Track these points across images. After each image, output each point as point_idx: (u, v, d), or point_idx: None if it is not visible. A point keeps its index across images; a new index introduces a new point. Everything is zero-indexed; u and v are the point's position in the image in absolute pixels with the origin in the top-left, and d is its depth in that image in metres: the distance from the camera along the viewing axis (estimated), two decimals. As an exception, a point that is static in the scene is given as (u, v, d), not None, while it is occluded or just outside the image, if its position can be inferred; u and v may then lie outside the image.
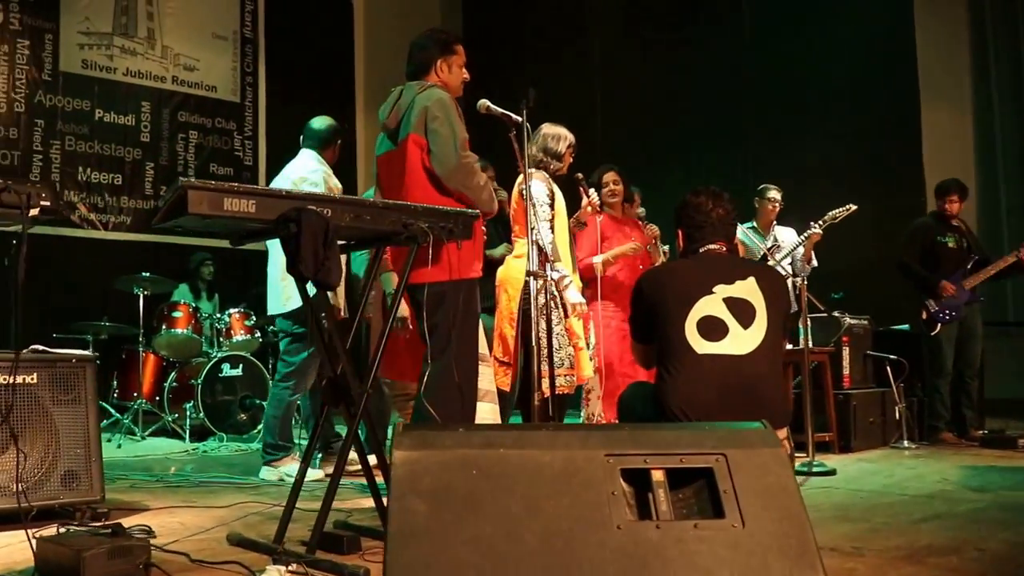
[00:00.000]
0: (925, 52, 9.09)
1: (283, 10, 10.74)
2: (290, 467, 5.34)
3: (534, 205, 5.26)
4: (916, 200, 8.70)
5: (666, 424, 2.99)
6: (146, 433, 7.58)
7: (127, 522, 3.71)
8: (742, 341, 3.54)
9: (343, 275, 3.27)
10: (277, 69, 10.77)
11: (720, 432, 2.21)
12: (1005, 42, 9.26)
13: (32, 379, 3.91)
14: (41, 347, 4.02)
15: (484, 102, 4.43)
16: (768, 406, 3.44)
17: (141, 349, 7.64)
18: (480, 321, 5.05)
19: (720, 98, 10.06)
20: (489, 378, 4.95)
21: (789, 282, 6.93)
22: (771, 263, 7.06)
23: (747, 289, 3.61)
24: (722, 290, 3.59)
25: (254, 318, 7.96)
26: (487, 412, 4.87)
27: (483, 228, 4.34)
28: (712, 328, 3.54)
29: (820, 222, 6.76)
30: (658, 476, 2.10)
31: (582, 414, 5.96)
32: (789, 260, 7.15)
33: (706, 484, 2.11)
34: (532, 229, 4.58)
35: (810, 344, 6.29)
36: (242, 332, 7.88)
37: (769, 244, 7.26)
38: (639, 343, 3.90)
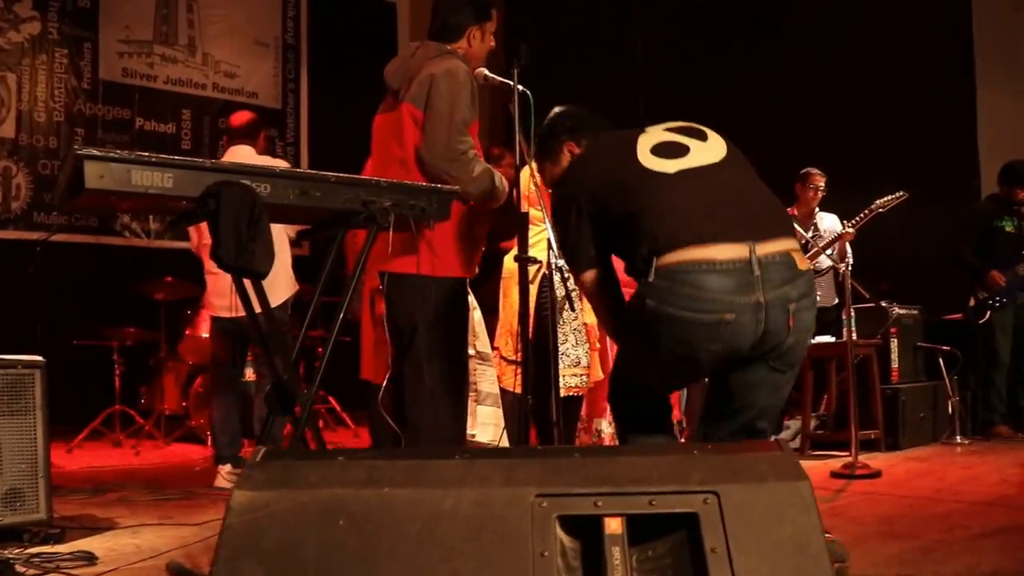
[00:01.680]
0: (982, 32, 8.14)
1: (326, 15, 10.02)
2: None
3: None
4: (970, 185, 7.78)
5: (637, 446, 2.18)
6: (170, 439, 6.91)
7: (80, 544, 3.22)
8: (708, 152, 2.68)
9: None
10: (319, 75, 10.06)
11: (713, 459, 1.41)
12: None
13: (-31, 388, 3.25)
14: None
15: (481, 71, 3.64)
16: (765, 214, 2.58)
17: (164, 355, 6.99)
18: (480, 317, 4.29)
19: (767, 81, 9.15)
20: (491, 379, 4.19)
21: (830, 274, 6.05)
22: (810, 257, 6.17)
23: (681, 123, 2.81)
24: (655, 129, 2.78)
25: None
26: (488, 416, 4.11)
27: (483, 221, 3.52)
28: (671, 150, 2.67)
29: (853, 221, 5.82)
30: (614, 527, 1.32)
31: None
32: (830, 251, 6.24)
33: (687, 538, 1.31)
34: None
35: (855, 336, 5.41)
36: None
37: (811, 234, 6.34)
38: (588, 269, 2.76)
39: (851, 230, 5.76)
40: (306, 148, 10.06)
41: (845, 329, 5.52)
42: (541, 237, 4.50)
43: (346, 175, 2.80)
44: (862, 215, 5.66)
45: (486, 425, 4.08)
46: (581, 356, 4.43)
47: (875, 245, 6.36)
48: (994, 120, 8.07)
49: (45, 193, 8.28)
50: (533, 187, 4.58)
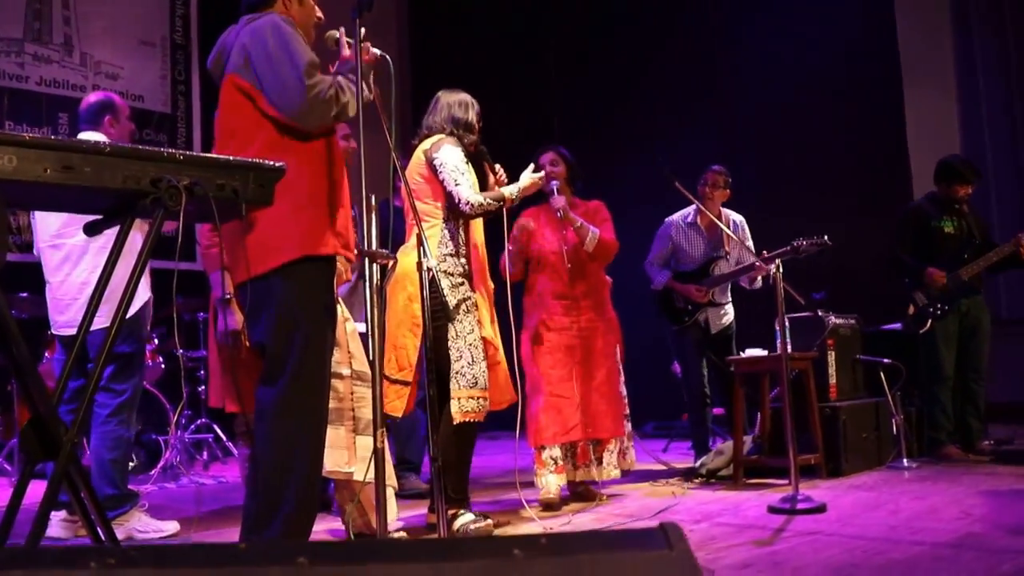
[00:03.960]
0: (906, 34, 7.80)
1: (216, 14, 9.30)
2: (142, 520, 3.95)
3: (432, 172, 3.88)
4: (902, 188, 7.37)
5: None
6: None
7: None
8: None
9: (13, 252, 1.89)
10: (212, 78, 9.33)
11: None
12: (989, 24, 7.95)
13: None
14: None
15: (332, 33, 3.02)
16: None
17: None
18: (353, 329, 3.65)
19: (688, 86, 8.68)
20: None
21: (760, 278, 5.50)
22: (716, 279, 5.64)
23: None
24: None
25: (156, 341, 6.51)
26: (371, 448, 3.44)
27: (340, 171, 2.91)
28: None
29: (764, 254, 5.25)
30: None
31: (543, 480, 4.50)
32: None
33: None
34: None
35: (789, 349, 4.86)
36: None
37: (719, 254, 5.78)
38: None
39: (760, 263, 5.21)
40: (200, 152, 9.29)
41: (779, 341, 4.98)
42: (431, 236, 3.89)
43: (129, 146, 2.14)
44: (779, 252, 5.10)
45: (367, 459, 3.42)
46: (478, 376, 3.80)
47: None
48: (921, 121, 7.70)
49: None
50: (419, 178, 3.98)
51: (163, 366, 6.48)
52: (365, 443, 3.44)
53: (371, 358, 2.68)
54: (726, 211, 5.80)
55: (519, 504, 4.17)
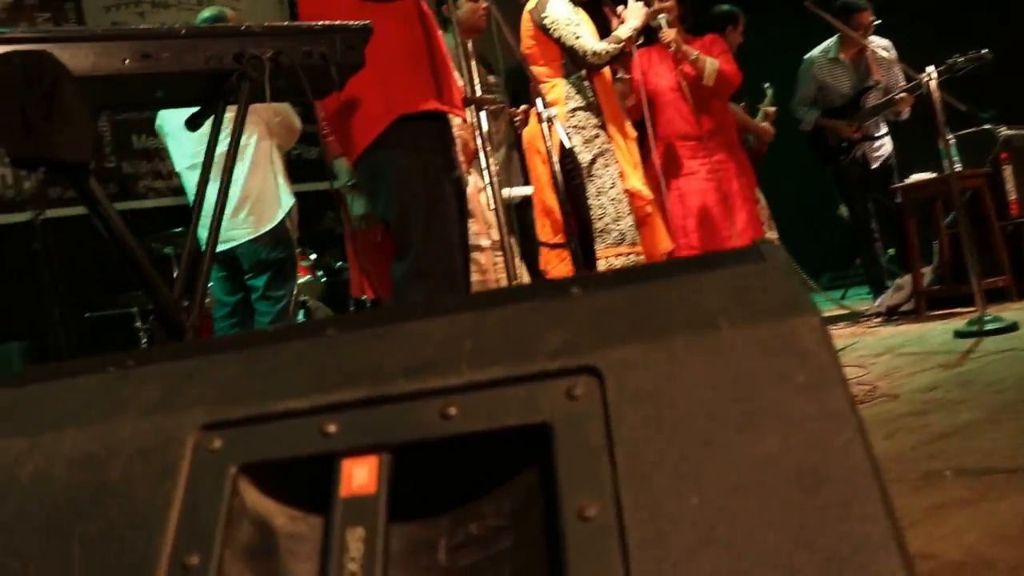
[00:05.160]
0: None
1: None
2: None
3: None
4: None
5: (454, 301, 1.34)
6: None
7: None
8: None
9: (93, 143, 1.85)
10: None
11: (604, 299, 0.64)
12: None
13: None
14: None
15: None
16: None
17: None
18: (476, 192, 3.52)
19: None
20: (518, 273, 3.43)
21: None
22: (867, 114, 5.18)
23: None
24: None
25: (313, 256, 6.61)
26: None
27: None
28: None
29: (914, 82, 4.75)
30: (361, 479, 0.56)
31: None
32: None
33: (534, 486, 0.55)
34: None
35: (958, 167, 4.48)
36: (302, 274, 6.52)
37: (868, 84, 5.29)
38: None
39: (906, 95, 4.74)
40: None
41: (945, 161, 4.58)
42: (556, 95, 3.72)
43: (207, 25, 2.08)
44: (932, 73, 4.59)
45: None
46: (625, 231, 3.62)
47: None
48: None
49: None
50: (531, 41, 3.80)
51: (324, 279, 6.58)
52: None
53: (498, 220, 2.55)
54: (872, 39, 5.33)
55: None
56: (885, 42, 5.32)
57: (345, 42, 2.21)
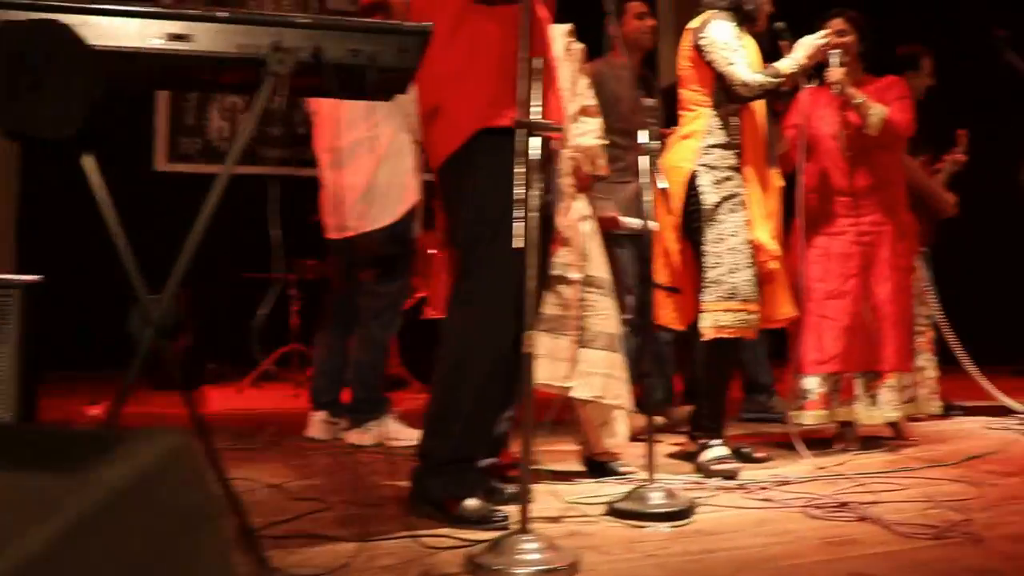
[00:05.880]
0: None
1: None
2: (392, 427, 3.92)
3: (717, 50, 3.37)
4: None
5: None
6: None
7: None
8: None
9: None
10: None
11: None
12: None
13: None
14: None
15: None
16: None
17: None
18: (594, 229, 3.29)
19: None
20: (606, 314, 3.20)
21: None
22: None
23: None
24: None
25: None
26: (597, 363, 3.13)
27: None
28: None
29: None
30: None
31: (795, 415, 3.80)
32: None
33: None
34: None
35: None
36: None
37: None
38: None
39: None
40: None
41: None
42: (696, 126, 3.44)
43: (248, 11, 1.97)
44: None
45: (591, 375, 3.10)
46: (739, 286, 3.28)
47: None
48: None
49: (270, 128, 8.02)
50: (687, 63, 3.51)
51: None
52: (591, 357, 3.10)
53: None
54: None
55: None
56: None
57: (398, 44, 2.04)
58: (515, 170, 2.20)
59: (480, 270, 2.46)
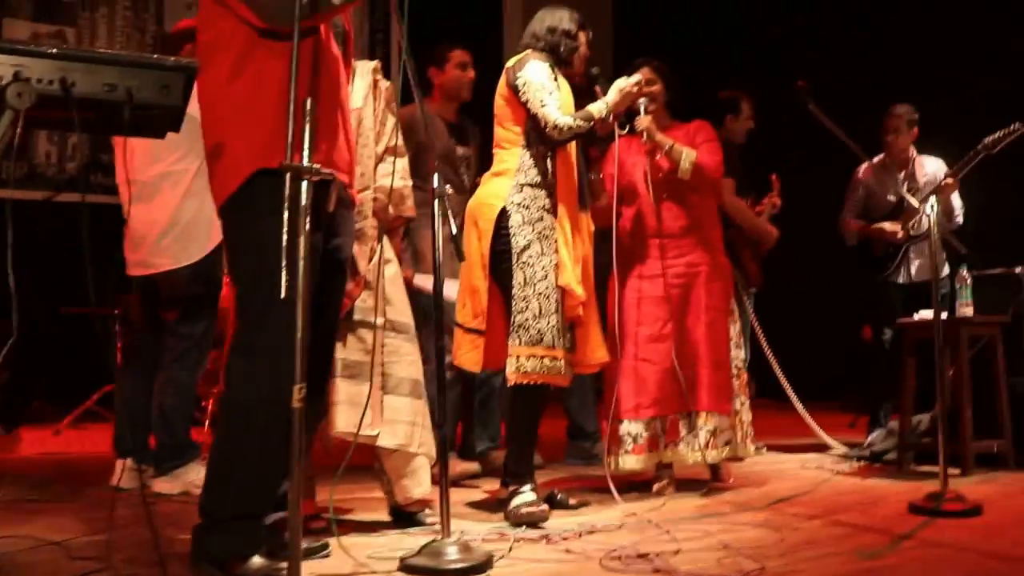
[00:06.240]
0: None
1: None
2: (200, 474, 3.71)
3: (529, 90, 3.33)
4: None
5: None
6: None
7: None
8: None
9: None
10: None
11: None
12: None
13: None
14: None
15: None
16: None
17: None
18: (394, 273, 3.22)
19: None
20: (409, 360, 3.12)
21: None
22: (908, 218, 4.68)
23: None
24: None
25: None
26: (402, 411, 3.04)
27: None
28: None
29: (953, 169, 4.28)
30: None
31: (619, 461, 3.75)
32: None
33: None
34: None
35: (969, 311, 4.06)
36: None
37: (906, 186, 4.75)
38: None
39: (950, 180, 4.26)
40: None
41: (959, 303, 4.14)
42: (508, 164, 3.39)
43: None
44: (965, 159, 4.13)
45: (396, 423, 3.00)
46: (545, 331, 3.24)
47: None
48: None
49: (102, 154, 7.67)
50: (501, 100, 3.47)
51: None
52: (396, 404, 3.01)
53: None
54: (922, 157, 4.85)
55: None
56: (935, 162, 4.83)
57: (159, 80, 1.92)
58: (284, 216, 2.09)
59: (261, 320, 2.34)
